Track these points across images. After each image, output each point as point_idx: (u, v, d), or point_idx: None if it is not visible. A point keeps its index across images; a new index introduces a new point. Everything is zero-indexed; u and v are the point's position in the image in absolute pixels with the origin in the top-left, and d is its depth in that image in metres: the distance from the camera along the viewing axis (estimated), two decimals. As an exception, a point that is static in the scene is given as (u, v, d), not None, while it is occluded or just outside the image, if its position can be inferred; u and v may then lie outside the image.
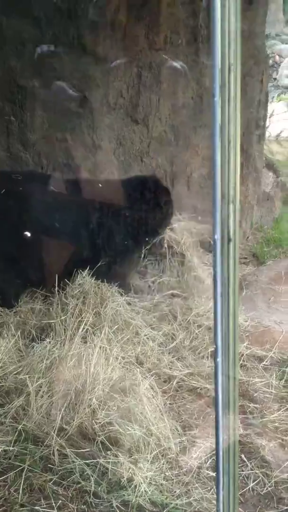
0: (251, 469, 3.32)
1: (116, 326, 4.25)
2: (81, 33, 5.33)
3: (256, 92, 6.73)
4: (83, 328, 4.15)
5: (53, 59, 5.35)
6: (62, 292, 4.57)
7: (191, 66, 5.94)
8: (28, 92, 5.39)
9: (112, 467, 3.21)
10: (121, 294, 4.63)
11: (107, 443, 3.33)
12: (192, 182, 6.36)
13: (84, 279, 4.64)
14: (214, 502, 3.09)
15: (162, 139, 6.05)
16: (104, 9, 5.35)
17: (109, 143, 5.77)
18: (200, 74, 6.03)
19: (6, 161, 5.56)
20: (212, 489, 3.15)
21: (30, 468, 3.26)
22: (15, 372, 3.92)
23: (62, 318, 4.30)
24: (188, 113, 6.10)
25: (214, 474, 3.25)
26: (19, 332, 4.30)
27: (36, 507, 3.06)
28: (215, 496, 2.99)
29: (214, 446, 3.36)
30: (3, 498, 3.11)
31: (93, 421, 3.41)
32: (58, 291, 4.56)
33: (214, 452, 3.37)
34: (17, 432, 3.51)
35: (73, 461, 3.27)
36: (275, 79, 16.31)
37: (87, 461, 3.27)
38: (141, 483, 3.13)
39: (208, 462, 3.37)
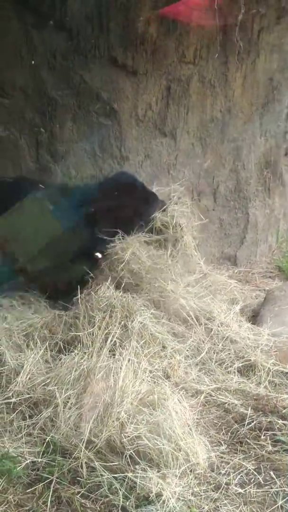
0: (280, 487, 3.29)
1: (143, 340, 4.24)
2: (112, 46, 5.38)
3: (284, 105, 6.72)
4: (111, 341, 4.14)
5: (83, 71, 5.39)
6: (87, 304, 4.58)
7: (220, 80, 5.95)
8: (58, 104, 5.43)
9: (141, 482, 3.18)
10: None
11: (136, 457, 3.31)
12: (218, 195, 6.37)
13: (110, 291, 4.66)
14: (243, 519, 3.08)
15: (189, 152, 6.08)
16: (135, 22, 5.37)
17: (137, 155, 5.81)
18: (229, 87, 6.06)
19: (35, 172, 5.60)
20: (241, 506, 3.13)
21: (58, 480, 3.25)
22: (43, 384, 3.92)
23: (90, 330, 4.30)
24: (216, 126, 6.12)
25: (242, 491, 3.24)
26: (47, 343, 4.32)
27: (64, 520, 3.06)
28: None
29: (242, 462, 3.37)
30: (31, 510, 3.11)
31: (122, 434, 3.39)
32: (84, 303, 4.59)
33: (242, 468, 3.38)
34: (45, 443, 3.50)
35: (101, 474, 3.25)
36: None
37: (115, 475, 3.25)
38: (170, 498, 3.10)
39: (237, 478, 3.35)
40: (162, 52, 5.57)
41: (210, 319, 4.79)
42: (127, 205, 5.42)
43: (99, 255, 5.20)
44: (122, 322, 4.37)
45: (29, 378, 3.99)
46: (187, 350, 4.46)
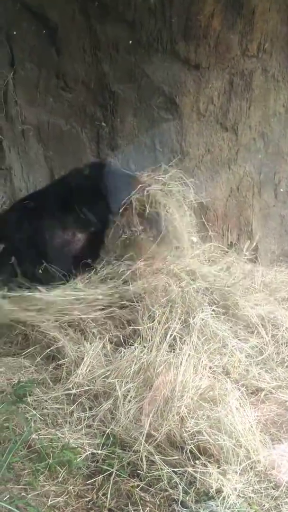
0: None
1: (204, 337, 4.20)
2: (174, 39, 5.35)
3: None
4: (171, 335, 4.12)
5: (145, 64, 5.38)
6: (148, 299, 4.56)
7: (283, 74, 5.85)
8: (119, 98, 5.44)
9: (201, 477, 3.15)
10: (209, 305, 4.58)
11: (196, 452, 3.28)
12: (279, 191, 6.27)
13: (171, 287, 4.63)
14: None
15: (251, 147, 6.00)
16: (198, 15, 5.33)
17: (197, 150, 5.77)
18: (293, 81, 5.97)
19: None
20: (302, 505, 3.07)
21: (117, 472, 3.24)
22: (103, 376, 3.92)
23: (149, 325, 4.29)
24: (278, 121, 6.02)
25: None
26: (107, 336, 4.32)
27: (124, 513, 3.05)
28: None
29: (304, 461, 3.31)
30: (91, 502, 3.11)
31: (182, 429, 3.36)
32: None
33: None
34: (104, 435, 3.50)
35: (161, 468, 3.23)
36: None
37: (175, 469, 3.23)
38: (230, 494, 3.06)
39: (298, 477, 3.29)
40: (225, 45, 5.51)
41: (274, 325, 4.71)
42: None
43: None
44: (183, 318, 4.34)
45: (89, 370, 3.99)
46: (249, 350, 4.39)
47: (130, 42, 5.35)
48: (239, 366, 4.14)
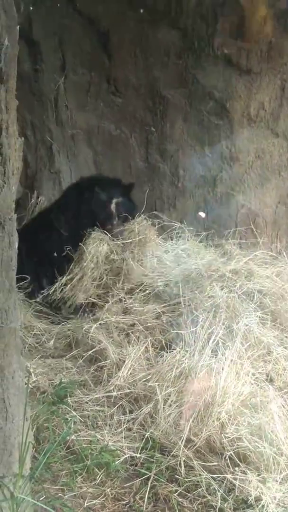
0: None
1: (248, 343, 4.13)
2: (226, 44, 5.32)
3: None
4: (214, 340, 4.06)
5: (196, 70, 5.36)
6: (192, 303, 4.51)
7: None
8: (169, 103, 5.44)
9: (240, 484, 3.10)
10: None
11: (236, 458, 3.22)
12: None
13: (215, 292, 4.57)
14: None
15: (302, 153, 5.91)
16: (250, 21, 5.29)
17: (247, 156, 5.71)
18: None
19: (144, 172, 5.63)
20: None
21: (156, 477, 3.21)
22: (144, 379, 3.90)
23: (192, 329, 4.24)
24: None
25: None
26: (148, 340, 4.29)
27: (161, 517, 3.01)
28: None
29: None
30: (128, 505, 3.09)
31: (222, 435, 3.31)
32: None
33: None
34: (144, 439, 3.47)
35: (200, 474, 3.18)
36: None
37: (214, 475, 3.18)
38: (269, 503, 3.00)
39: None
40: (277, 51, 5.45)
41: None
42: None
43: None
44: (226, 323, 4.28)
45: (130, 374, 3.98)
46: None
47: (182, 47, 5.34)
48: (283, 374, 4.05)
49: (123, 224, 5.01)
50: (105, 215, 4.96)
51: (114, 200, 4.99)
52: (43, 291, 4.98)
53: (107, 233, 4.88)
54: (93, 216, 4.97)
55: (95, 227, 4.91)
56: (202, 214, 5.64)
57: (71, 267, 4.89)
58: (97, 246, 4.84)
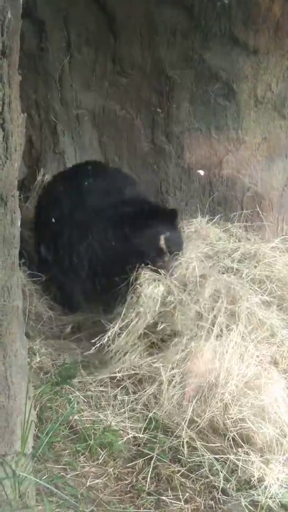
0: None
1: (251, 326, 4.09)
2: (233, 24, 5.24)
3: None
4: (217, 324, 4.03)
5: (203, 50, 5.30)
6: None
7: None
8: (176, 84, 5.38)
9: (243, 465, 3.10)
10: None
11: (239, 439, 3.23)
12: None
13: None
14: None
15: (309, 136, 5.84)
16: (258, 1, 5.21)
17: (254, 138, 5.64)
18: None
19: (149, 153, 5.59)
20: None
21: (158, 457, 3.22)
22: (150, 361, 3.88)
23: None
24: None
25: None
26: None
27: (163, 497, 3.01)
28: None
29: None
30: (130, 485, 3.10)
31: (225, 416, 3.31)
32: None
33: None
34: (147, 419, 3.48)
35: (203, 455, 3.19)
36: None
37: (216, 456, 3.19)
38: (272, 484, 3.00)
39: None
40: (285, 31, 5.35)
41: None
42: None
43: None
44: (229, 307, 4.23)
45: (136, 356, 3.95)
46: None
47: (188, 27, 5.26)
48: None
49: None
50: (155, 253, 4.41)
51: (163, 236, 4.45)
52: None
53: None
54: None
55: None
56: (201, 172, 5.57)
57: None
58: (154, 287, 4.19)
